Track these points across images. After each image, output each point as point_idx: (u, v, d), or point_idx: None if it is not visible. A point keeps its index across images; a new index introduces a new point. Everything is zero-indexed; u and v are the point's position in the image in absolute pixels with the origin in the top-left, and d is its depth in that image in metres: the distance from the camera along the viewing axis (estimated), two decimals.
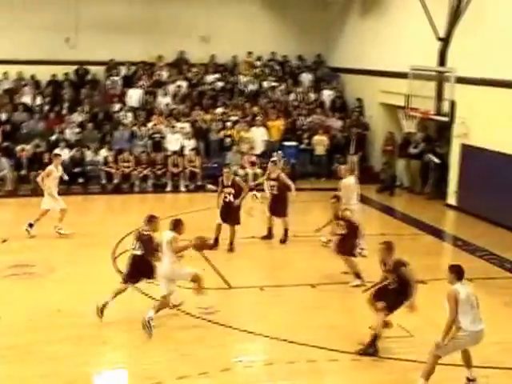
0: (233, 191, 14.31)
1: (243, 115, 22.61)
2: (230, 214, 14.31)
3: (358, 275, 12.27)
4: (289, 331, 10.27)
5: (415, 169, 20.76)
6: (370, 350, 9.63)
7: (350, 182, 14.36)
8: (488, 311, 11.58)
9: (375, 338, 9.65)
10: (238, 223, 14.42)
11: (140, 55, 24.00)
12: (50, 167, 15.20)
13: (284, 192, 15.01)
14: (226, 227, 14.41)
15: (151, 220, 10.72)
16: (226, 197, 14.37)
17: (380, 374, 9.17)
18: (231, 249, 14.27)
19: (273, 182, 15.12)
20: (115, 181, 19.81)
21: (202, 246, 10.83)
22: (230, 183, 14.40)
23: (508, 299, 12.08)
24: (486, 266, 13.92)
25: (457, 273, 8.70)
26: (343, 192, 13.92)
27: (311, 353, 9.60)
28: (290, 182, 15.05)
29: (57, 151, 18.58)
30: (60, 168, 15.40)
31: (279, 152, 18.36)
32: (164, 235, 10.38)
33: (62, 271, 12.81)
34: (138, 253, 10.57)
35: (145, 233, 10.64)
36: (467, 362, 8.95)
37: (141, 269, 10.56)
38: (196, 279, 10.54)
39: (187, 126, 21.49)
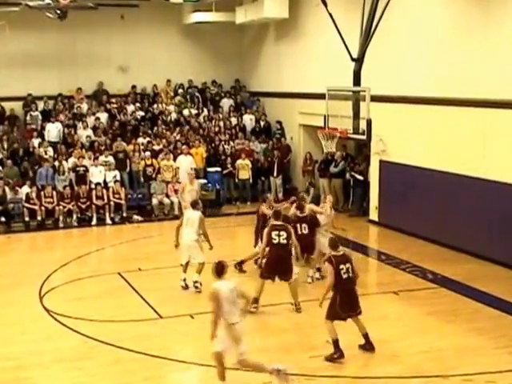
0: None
1: (166, 144, 22.64)
2: None
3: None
4: None
5: (337, 187, 21.22)
6: (335, 355, 10.14)
7: None
8: (414, 322, 12.08)
9: (335, 344, 10.16)
10: None
11: (58, 88, 23.84)
12: None
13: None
14: None
15: None
16: None
17: None
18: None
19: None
20: (39, 217, 19.50)
21: None
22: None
23: (432, 309, 12.48)
24: (410, 278, 14.33)
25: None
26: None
27: (245, 377, 9.63)
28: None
29: None
30: None
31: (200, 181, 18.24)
32: None
33: None
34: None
35: None
36: None
37: None
38: None
39: (110, 158, 21.38)
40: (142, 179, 21.54)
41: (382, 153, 18.69)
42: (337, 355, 10.12)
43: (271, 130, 24.56)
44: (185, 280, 13.51)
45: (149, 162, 21.58)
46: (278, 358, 10.18)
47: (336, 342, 10.17)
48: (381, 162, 18.85)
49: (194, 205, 13.49)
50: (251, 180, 22.56)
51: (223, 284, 9.21)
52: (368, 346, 10.53)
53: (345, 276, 10.17)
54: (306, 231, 13.48)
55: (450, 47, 16.31)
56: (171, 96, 25.31)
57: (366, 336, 10.50)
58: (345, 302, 10.20)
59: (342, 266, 10.17)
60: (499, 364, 10.01)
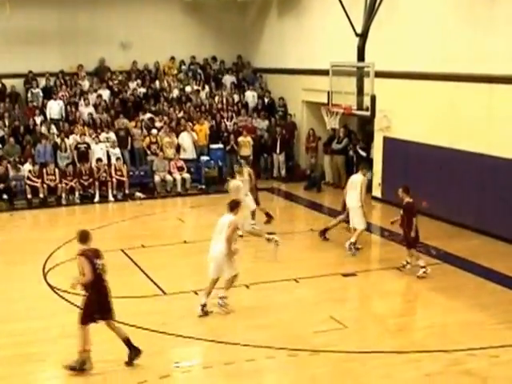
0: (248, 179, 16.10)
1: (168, 121, 22.57)
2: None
3: None
4: (225, 333, 10.38)
5: (340, 164, 21.18)
6: (77, 365, 9.19)
7: None
8: (417, 297, 12.15)
9: (81, 353, 9.25)
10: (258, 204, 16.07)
11: (59, 65, 23.69)
12: None
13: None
14: None
15: None
16: None
17: (316, 366, 9.36)
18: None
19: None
20: (41, 195, 19.47)
21: None
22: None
23: (435, 285, 12.49)
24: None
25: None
26: None
27: (249, 352, 9.70)
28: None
29: None
30: None
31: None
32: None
33: None
34: None
35: None
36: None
37: None
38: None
39: (112, 135, 21.33)
40: (148, 153, 21.44)
41: (386, 129, 18.62)
42: (78, 366, 9.14)
43: (275, 106, 24.43)
44: None
45: (154, 140, 21.53)
46: (281, 334, 10.29)
47: (85, 353, 9.17)
48: (385, 138, 18.79)
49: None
50: (252, 157, 22.50)
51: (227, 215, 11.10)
52: (132, 354, 9.40)
53: (98, 272, 9.29)
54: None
55: (455, 22, 16.18)
56: (173, 73, 25.18)
57: (127, 341, 9.44)
58: (99, 302, 9.25)
59: (97, 261, 9.35)
60: (502, 339, 10.07)
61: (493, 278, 12.75)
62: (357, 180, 14.42)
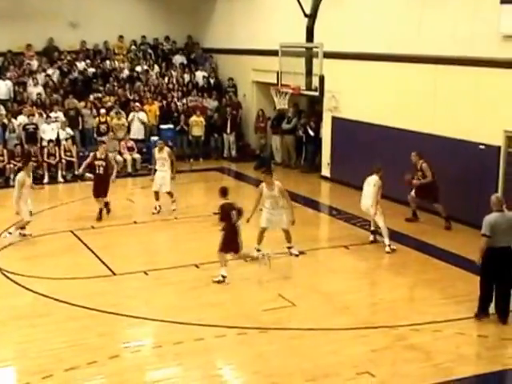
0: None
1: (118, 101, 22.38)
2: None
3: None
4: (175, 312, 10.46)
5: (289, 144, 21.34)
6: None
7: None
8: (364, 275, 12.38)
9: None
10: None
11: (7, 45, 23.20)
12: None
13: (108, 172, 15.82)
14: None
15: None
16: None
17: (265, 344, 9.52)
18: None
19: (100, 162, 15.77)
20: None
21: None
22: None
23: (382, 262, 12.81)
24: (360, 232, 14.56)
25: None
26: None
27: (198, 331, 9.80)
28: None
29: None
30: None
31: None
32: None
33: None
34: None
35: None
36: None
37: None
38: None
39: (61, 115, 21.07)
40: (95, 136, 21.26)
41: (335, 109, 18.82)
42: None
43: (222, 86, 24.42)
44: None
45: (103, 120, 21.34)
46: (231, 313, 10.42)
47: None
48: (333, 118, 18.98)
49: None
50: (203, 137, 22.52)
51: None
52: None
53: None
54: None
55: (402, 4, 16.37)
56: (123, 52, 24.93)
57: None
58: None
59: None
60: (446, 314, 10.36)
61: (438, 254, 13.05)
62: (370, 180, 13.89)
